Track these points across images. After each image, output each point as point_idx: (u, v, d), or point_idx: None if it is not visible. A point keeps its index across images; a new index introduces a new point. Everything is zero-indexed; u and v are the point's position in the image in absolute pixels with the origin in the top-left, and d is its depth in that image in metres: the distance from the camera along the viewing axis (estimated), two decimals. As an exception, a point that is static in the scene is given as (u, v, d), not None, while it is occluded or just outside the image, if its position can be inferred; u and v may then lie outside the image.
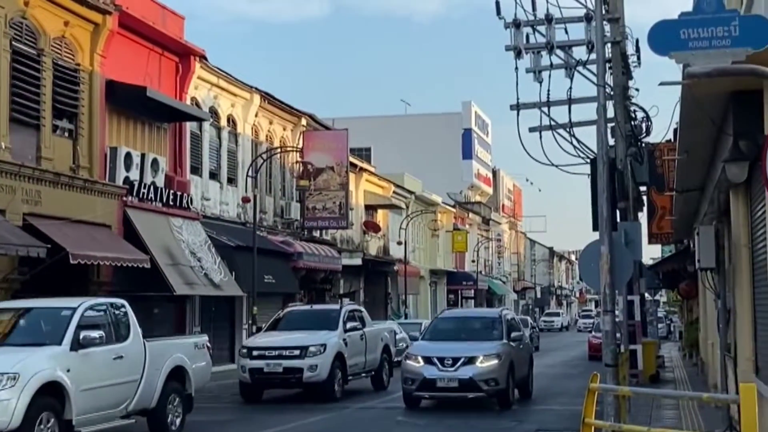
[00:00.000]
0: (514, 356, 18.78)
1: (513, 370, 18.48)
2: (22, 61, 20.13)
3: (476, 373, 17.70)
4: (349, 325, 21.10)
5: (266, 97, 32.61)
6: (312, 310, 23.26)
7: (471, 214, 67.74)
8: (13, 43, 19.83)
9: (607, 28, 18.07)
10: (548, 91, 17.88)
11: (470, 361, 17.84)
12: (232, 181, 30.74)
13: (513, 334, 19.40)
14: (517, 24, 17.38)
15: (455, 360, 17.83)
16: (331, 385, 19.65)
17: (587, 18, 17.12)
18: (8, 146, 19.39)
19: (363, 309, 23.98)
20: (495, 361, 17.91)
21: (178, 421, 14.43)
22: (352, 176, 38.88)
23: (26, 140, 20.30)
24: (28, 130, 20.41)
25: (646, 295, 29.80)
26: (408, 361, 18.41)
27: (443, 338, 19.25)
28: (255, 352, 19.88)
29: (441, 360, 17.90)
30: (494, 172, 79.63)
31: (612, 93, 18.23)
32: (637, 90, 20.93)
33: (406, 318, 44.78)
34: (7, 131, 19.47)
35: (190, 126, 27.65)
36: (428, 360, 18.00)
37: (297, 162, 34.58)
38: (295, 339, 20.17)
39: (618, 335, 15.90)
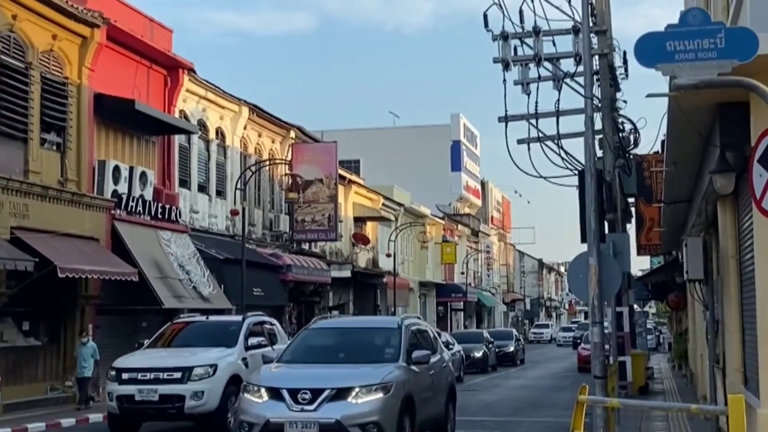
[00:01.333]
0: (416, 388, 12.77)
1: (412, 409, 12.48)
2: (9, 75, 20.09)
3: (346, 415, 11.68)
4: (252, 341, 16.81)
5: (255, 109, 32.61)
6: (207, 322, 18.23)
7: (460, 226, 67.78)
8: (0, 56, 19.80)
9: (595, 40, 18.16)
10: (536, 103, 17.97)
11: (339, 395, 11.81)
12: (220, 193, 30.71)
13: (416, 354, 13.04)
14: (505, 36, 17.45)
15: (315, 393, 11.76)
16: (222, 418, 15.40)
17: (575, 30, 17.20)
18: (-4, 159, 19.34)
19: (275, 322, 19.36)
20: (378, 395, 11.89)
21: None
22: (341, 188, 38.88)
23: (14, 153, 20.24)
24: (15, 144, 20.36)
25: (635, 306, 29.88)
26: (246, 395, 12.32)
27: (310, 360, 13.16)
28: (125, 375, 15.56)
29: (294, 393, 11.80)
30: (483, 184, 79.74)
31: (600, 105, 18.32)
32: (624, 102, 21.11)
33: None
34: (-6, 144, 19.42)
35: (178, 139, 27.62)
36: (275, 393, 11.96)
37: (286, 174, 34.57)
38: (177, 358, 15.94)
39: (607, 347, 15.91)
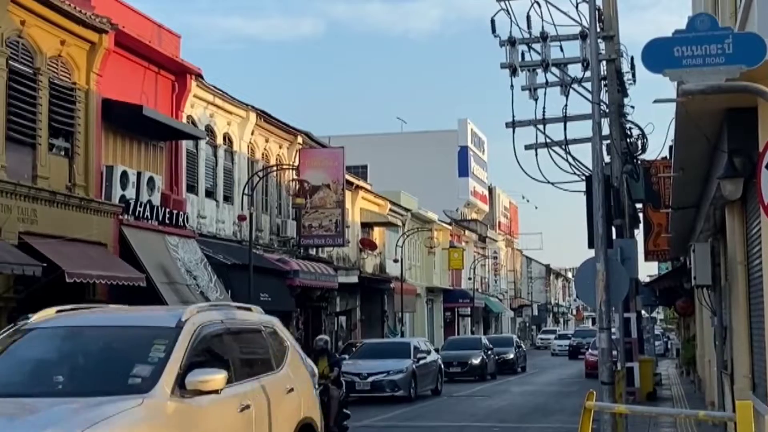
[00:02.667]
0: None
1: None
2: (18, 80, 20.14)
3: None
4: None
5: (262, 115, 32.66)
6: None
7: (467, 232, 67.75)
8: (9, 62, 19.85)
9: (602, 45, 18.12)
10: (544, 108, 17.92)
11: None
12: (228, 199, 30.74)
13: (194, 378, 7.46)
14: (512, 42, 17.43)
15: None
16: None
17: (582, 36, 17.17)
18: (4, 165, 19.37)
19: None
20: None
21: None
22: (348, 194, 38.90)
23: (22, 159, 20.29)
24: (24, 149, 20.40)
25: (643, 312, 29.81)
26: None
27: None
28: None
29: None
30: (490, 190, 79.71)
31: (607, 110, 18.28)
32: (632, 107, 21.05)
33: (402, 336, 44.73)
34: (2, 150, 19.46)
35: (186, 144, 27.66)
36: None
37: (293, 180, 34.59)
38: None
39: (614, 353, 15.88)
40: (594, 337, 48.96)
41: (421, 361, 26.41)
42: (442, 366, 29.67)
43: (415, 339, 31.60)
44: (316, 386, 10.18)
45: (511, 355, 40.48)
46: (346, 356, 28.05)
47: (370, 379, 24.91)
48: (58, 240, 20.08)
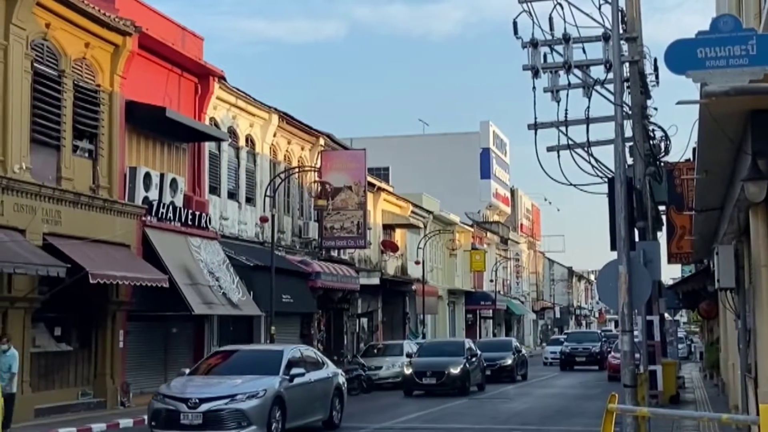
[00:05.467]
0: None
1: None
2: (43, 83, 20.32)
3: None
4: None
5: (284, 117, 32.75)
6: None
7: (489, 234, 67.62)
8: (34, 64, 20.02)
9: (625, 47, 18.06)
10: (566, 110, 17.85)
11: None
12: (250, 200, 30.85)
13: None
14: (534, 44, 17.39)
15: None
16: None
17: (605, 37, 17.11)
18: (29, 167, 19.55)
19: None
20: None
21: None
22: (370, 196, 38.92)
23: (47, 161, 20.46)
24: (48, 151, 20.58)
25: (666, 315, 29.63)
26: None
27: None
28: None
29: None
30: (512, 192, 79.53)
31: (630, 112, 18.21)
32: (655, 109, 20.88)
33: (423, 338, 44.68)
34: (27, 152, 19.63)
35: (208, 146, 27.79)
36: None
37: (315, 182, 34.66)
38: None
39: (637, 356, 15.81)
40: (593, 342, 46.49)
41: (297, 380, 17.01)
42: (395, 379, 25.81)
43: (291, 347, 19.00)
44: None
45: (509, 362, 34.97)
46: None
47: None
48: (82, 241, 20.24)
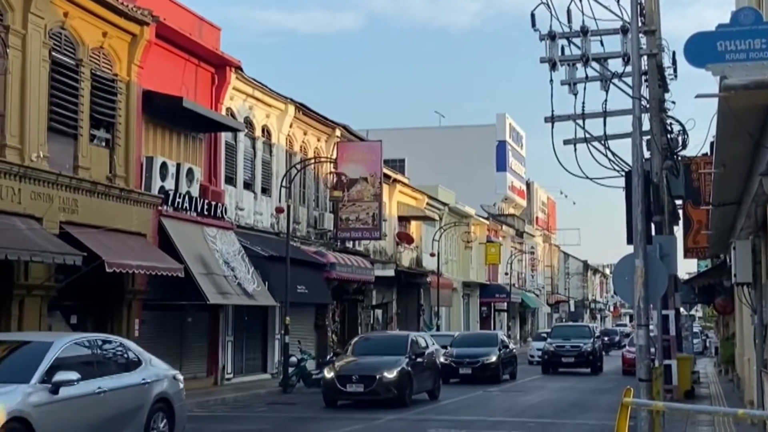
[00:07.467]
0: None
1: None
2: (60, 71, 20.37)
3: None
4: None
5: (301, 107, 32.75)
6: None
7: (504, 227, 67.55)
8: (52, 53, 20.08)
9: (644, 40, 17.95)
10: (583, 103, 17.78)
11: None
12: (266, 191, 30.88)
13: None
14: (552, 36, 17.32)
15: None
16: None
17: (623, 30, 17.03)
18: (46, 155, 19.62)
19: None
20: None
21: None
22: (385, 187, 38.92)
23: (64, 149, 20.53)
24: (65, 140, 20.65)
25: (682, 309, 29.55)
26: None
27: None
28: None
29: None
30: (528, 185, 79.38)
31: (648, 106, 18.12)
32: (673, 102, 20.75)
33: (438, 330, 44.70)
34: (45, 140, 19.70)
35: (225, 136, 27.82)
36: None
37: (331, 173, 34.67)
38: None
39: (652, 350, 15.77)
40: (584, 338, 37.16)
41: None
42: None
43: (135, 344, 15.24)
44: None
45: (494, 359, 30.36)
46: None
47: None
48: (99, 230, 20.30)
